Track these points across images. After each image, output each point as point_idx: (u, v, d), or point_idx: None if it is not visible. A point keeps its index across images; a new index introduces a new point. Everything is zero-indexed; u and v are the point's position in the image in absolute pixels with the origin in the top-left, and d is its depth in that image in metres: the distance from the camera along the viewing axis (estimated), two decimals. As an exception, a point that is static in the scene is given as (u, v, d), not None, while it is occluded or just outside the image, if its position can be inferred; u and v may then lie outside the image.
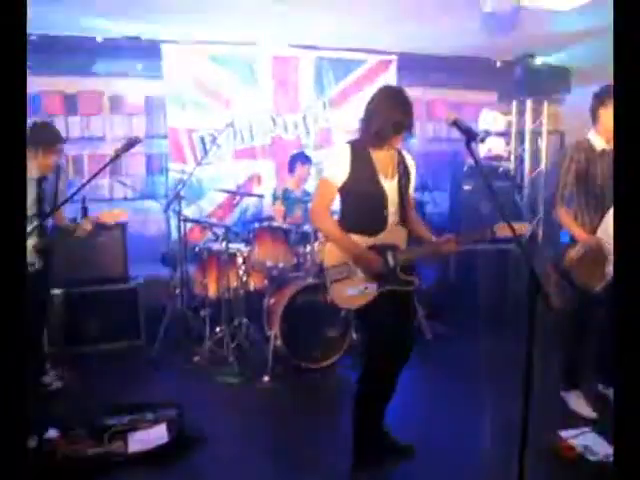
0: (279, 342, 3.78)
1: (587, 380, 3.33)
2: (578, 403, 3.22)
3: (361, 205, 2.51)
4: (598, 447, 2.72)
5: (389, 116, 2.39)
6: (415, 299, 4.45)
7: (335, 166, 2.51)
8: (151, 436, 2.84)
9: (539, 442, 2.65)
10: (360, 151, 2.49)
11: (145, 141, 4.82)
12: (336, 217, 2.61)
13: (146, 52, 4.86)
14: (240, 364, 3.84)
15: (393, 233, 2.55)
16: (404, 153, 2.65)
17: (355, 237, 2.49)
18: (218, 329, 4.09)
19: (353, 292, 2.49)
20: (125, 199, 5.03)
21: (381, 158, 2.52)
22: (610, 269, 3.03)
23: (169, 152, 5.02)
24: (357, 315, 2.60)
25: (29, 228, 3.01)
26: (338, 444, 2.75)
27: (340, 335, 3.86)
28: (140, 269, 4.57)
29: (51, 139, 3.25)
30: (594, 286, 3.05)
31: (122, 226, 4.34)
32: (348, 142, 2.54)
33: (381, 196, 2.50)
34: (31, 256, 3.19)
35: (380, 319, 2.49)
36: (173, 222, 4.77)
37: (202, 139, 5.05)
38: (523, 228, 2.57)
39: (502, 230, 2.44)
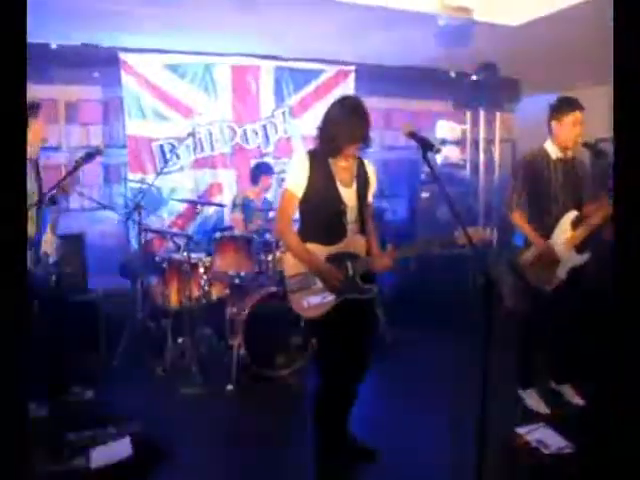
0: (242, 351, 3.78)
1: (541, 378, 3.47)
2: (533, 400, 3.35)
3: (320, 214, 2.52)
4: (551, 441, 2.85)
5: (346, 126, 2.41)
6: (377, 307, 4.58)
7: (295, 176, 2.52)
8: (115, 450, 2.80)
9: (497, 438, 2.75)
10: (319, 160, 2.51)
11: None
12: (297, 226, 2.62)
13: (103, 60, 4.81)
14: (203, 374, 3.82)
15: (352, 242, 2.55)
16: (365, 161, 2.68)
17: (315, 246, 2.50)
18: (180, 340, 4.06)
19: (312, 302, 2.49)
20: (83, 210, 4.95)
21: (340, 167, 2.53)
22: (561, 272, 3.19)
23: (128, 162, 4.96)
24: (316, 324, 2.57)
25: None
26: (304, 451, 2.78)
27: (303, 342, 3.88)
28: (99, 281, 4.50)
29: None
30: (546, 287, 3.20)
31: (80, 237, 4.27)
32: (307, 151, 2.57)
33: (340, 205, 2.51)
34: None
35: (338, 328, 2.50)
36: (133, 233, 4.72)
37: (162, 148, 5.02)
38: (484, 233, 2.61)
39: (461, 237, 2.45)
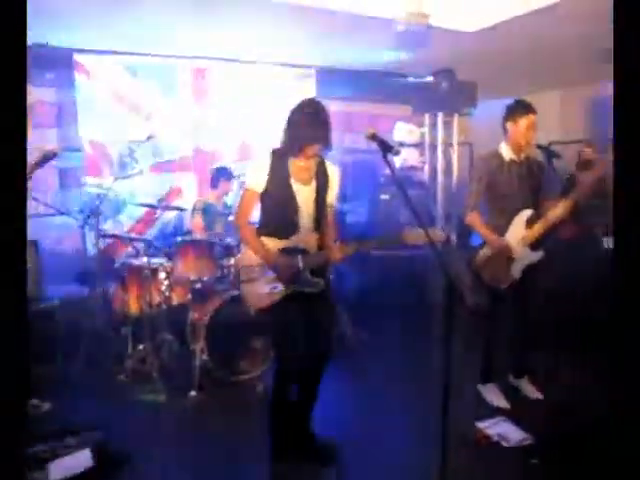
0: (205, 356, 3.74)
1: (500, 373, 3.56)
2: (493, 395, 3.44)
3: (275, 209, 2.66)
4: (511, 434, 2.94)
5: (305, 127, 2.53)
6: (339, 306, 4.62)
7: (255, 173, 2.66)
8: (75, 461, 2.72)
9: (458, 433, 2.82)
10: (279, 159, 2.64)
11: (57, 154, 4.63)
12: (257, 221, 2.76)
13: (56, 61, 4.68)
14: (165, 381, 3.75)
15: (305, 238, 2.69)
16: (327, 163, 2.78)
17: (270, 240, 2.65)
18: (141, 346, 3.98)
19: (262, 292, 2.64)
20: (37, 215, 4.80)
21: (298, 166, 2.65)
22: (516, 270, 3.29)
23: (84, 165, 4.85)
24: (265, 315, 2.71)
25: None
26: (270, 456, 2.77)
27: (266, 346, 3.87)
28: (55, 289, 4.37)
29: None
30: (501, 284, 3.29)
31: (34, 244, 4.14)
32: (271, 150, 2.67)
33: (292, 201, 2.64)
34: None
35: (285, 319, 2.65)
36: (90, 238, 4.61)
37: (119, 152, 4.93)
38: (442, 236, 2.65)
39: (410, 236, 2.61)
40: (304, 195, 2.66)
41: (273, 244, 2.65)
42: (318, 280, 2.70)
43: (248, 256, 2.69)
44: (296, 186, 2.64)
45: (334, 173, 2.79)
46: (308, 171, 2.68)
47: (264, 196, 2.65)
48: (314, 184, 2.69)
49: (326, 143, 2.59)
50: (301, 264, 2.64)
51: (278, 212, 2.67)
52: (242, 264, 2.70)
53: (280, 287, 2.64)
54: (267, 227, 2.69)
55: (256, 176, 2.64)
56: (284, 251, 2.65)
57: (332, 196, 2.80)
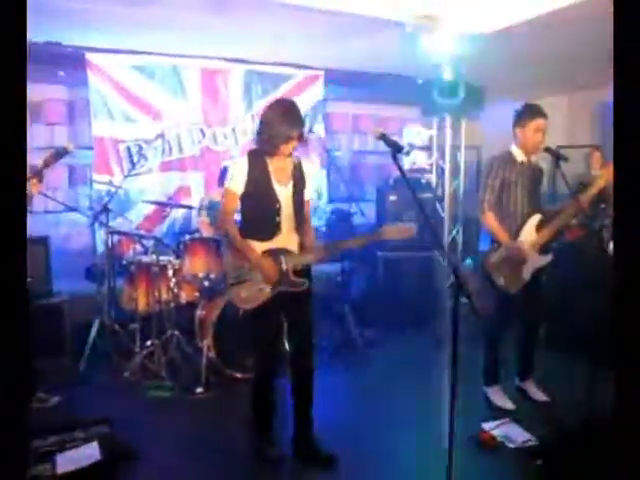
0: (212, 353, 3.77)
1: (506, 375, 3.57)
2: (498, 397, 3.44)
3: (257, 211, 2.70)
4: (516, 435, 2.95)
5: (279, 127, 2.57)
6: (345, 307, 4.65)
7: (235, 175, 2.67)
8: (82, 455, 2.76)
9: (465, 434, 2.83)
10: (257, 160, 2.68)
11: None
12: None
13: (69, 59, 4.72)
14: (172, 377, 3.79)
15: (287, 238, 2.74)
16: (302, 161, 2.84)
17: (252, 242, 2.69)
18: (149, 343, 4.01)
19: (249, 294, 2.70)
20: (46, 212, 4.84)
21: (276, 166, 2.69)
22: (527, 273, 3.30)
23: (94, 163, 4.89)
24: (252, 315, 2.76)
25: None
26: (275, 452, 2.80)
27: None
28: (64, 284, 4.40)
29: None
30: (512, 288, 3.30)
31: (44, 240, 4.18)
32: (248, 152, 2.74)
33: (275, 202, 2.67)
34: None
35: (272, 318, 2.74)
36: (99, 235, 4.65)
37: (129, 150, 4.96)
38: (411, 230, 2.73)
39: (387, 233, 2.70)
40: (284, 195, 2.70)
41: (256, 247, 2.69)
42: (302, 280, 2.74)
43: (233, 258, 2.74)
44: (277, 187, 2.68)
45: (309, 171, 2.86)
46: (286, 171, 2.73)
47: (244, 197, 2.68)
48: (291, 184, 2.73)
49: (301, 139, 2.65)
50: (285, 265, 2.68)
51: (260, 213, 2.70)
52: (227, 266, 2.77)
53: (266, 289, 2.68)
54: (249, 229, 2.72)
55: (236, 177, 2.66)
56: (268, 252, 2.69)
57: (308, 193, 2.84)
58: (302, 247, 2.80)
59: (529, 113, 3.27)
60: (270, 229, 2.70)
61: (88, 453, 2.77)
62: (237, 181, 2.66)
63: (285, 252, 2.71)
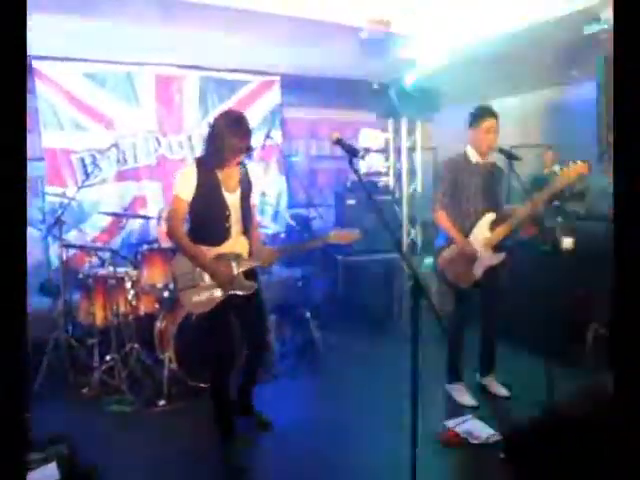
0: (173, 365, 3.71)
1: (467, 373, 3.63)
2: (461, 394, 3.50)
3: (206, 218, 2.78)
4: (479, 431, 3.00)
5: (228, 139, 2.63)
6: (306, 311, 4.66)
7: (184, 183, 2.73)
8: (41, 476, 2.66)
9: (428, 432, 2.86)
10: (205, 169, 2.73)
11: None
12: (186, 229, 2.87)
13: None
14: (133, 391, 3.70)
15: (236, 243, 2.85)
16: (248, 168, 2.94)
17: (203, 247, 2.76)
18: (108, 357, 3.91)
19: (201, 298, 2.79)
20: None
21: (225, 174, 2.78)
22: (478, 270, 3.37)
23: (46, 175, 4.75)
24: (205, 318, 2.87)
25: None
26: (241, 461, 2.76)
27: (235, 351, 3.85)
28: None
29: None
30: (463, 284, 3.38)
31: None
32: (195, 160, 2.81)
33: (224, 209, 2.77)
34: None
35: (225, 320, 2.86)
36: (53, 249, 4.51)
37: (82, 160, 4.85)
38: (356, 235, 2.97)
39: (333, 237, 2.92)
40: (232, 202, 2.80)
41: (207, 252, 2.77)
42: (252, 283, 2.88)
43: (182, 263, 2.78)
44: (226, 194, 2.78)
45: (255, 177, 2.98)
46: (234, 179, 2.83)
47: (193, 205, 2.73)
48: (239, 190, 2.84)
49: (250, 152, 2.77)
50: (235, 269, 2.80)
51: (210, 220, 2.78)
52: (177, 272, 2.80)
53: (218, 292, 2.79)
54: (198, 235, 2.78)
55: (185, 186, 2.72)
56: (219, 257, 2.78)
57: (255, 198, 3.02)
58: (251, 251, 2.91)
59: (480, 114, 3.37)
60: (220, 234, 2.79)
61: (46, 474, 2.68)
62: (186, 189, 2.71)
63: (235, 256, 2.82)
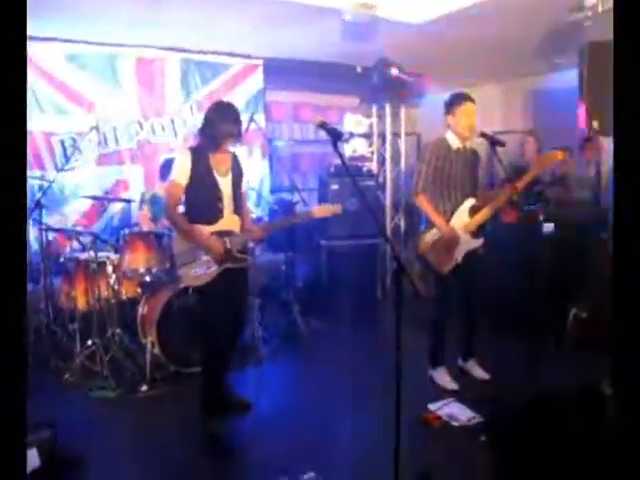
0: (156, 349, 3.69)
1: (449, 357, 3.67)
2: (442, 378, 3.55)
3: (201, 199, 3.05)
4: (461, 414, 3.05)
5: (220, 127, 2.97)
6: (290, 296, 4.68)
7: (180, 169, 3.01)
8: (21, 461, 2.64)
9: (411, 415, 2.90)
10: (199, 155, 3.03)
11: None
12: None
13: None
14: (116, 376, 3.68)
15: (229, 221, 3.10)
16: (237, 156, 3.23)
17: (199, 226, 3.01)
18: (90, 342, 3.88)
19: (198, 272, 3.02)
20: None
21: (217, 160, 3.07)
22: (458, 254, 3.40)
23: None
24: (202, 291, 3.10)
25: None
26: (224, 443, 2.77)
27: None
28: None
29: None
30: (443, 268, 3.40)
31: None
32: (189, 148, 3.08)
33: (217, 192, 3.05)
34: None
35: (220, 292, 3.04)
36: (33, 233, 4.45)
37: (62, 143, 4.76)
38: (338, 208, 3.27)
39: (318, 212, 3.23)
40: (224, 185, 3.07)
41: (202, 230, 3.01)
42: (245, 256, 3.17)
43: (180, 242, 3.06)
44: (218, 178, 3.05)
45: (244, 162, 3.30)
46: (225, 164, 3.11)
47: (189, 188, 3.01)
48: (230, 175, 3.11)
49: (239, 138, 3.09)
50: (229, 244, 3.04)
51: (205, 201, 3.04)
52: (176, 251, 3.08)
53: (213, 266, 3.03)
54: (194, 215, 3.04)
55: (180, 171, 2.99)
56: (215, 234, 3.02)
57: (245, 183, 3.31)
58: (242, 228, 3.17)
59: (456, 99, 3.40)
60: (214, 214, 3.05)
61: (28, 461, 2.66)
62: (182, 174, 2.99)
63: (228, 233, 3.07)
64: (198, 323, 3.31)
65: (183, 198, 3.06)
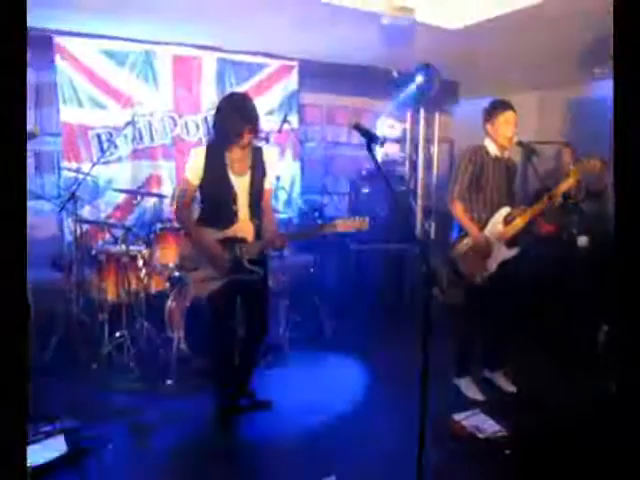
0: (182, 344, 3.73)
1: (475, 367, 3.62)
2: (468, 388, 3.49)
3: (214, 200, 2.82)
4: (486, 426, 2.99)
5: (233, 120, 2.68)
6: (318, 299, 4.65)
7: (192, 166, 2.79)
8: (48, 448, 2.70)
9: (435, 425, 2.85)
10: (214, 152, 2.78)
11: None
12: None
13: (35, 42, 4.54)
14: (141, 369, 3.73)
15: (243, 227, 2.83)
16: (263, 150, 2.92)
17: (210, 230, 2.79)
18: (118, 334, 3.94)
19: (203, 280, 2.82)
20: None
21: (234, 157, 2.79)
22: (492, 264, 3.34)
23: (62, 150, 4.76)
24: (208, 300, 2.90)
25: None
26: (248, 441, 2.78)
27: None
28: (30, 273, 4.26)
29: None
30: (476, 277, 3.34)
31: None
32: (207, 144, 2.88)
33: (230, 192, 2.78)
34: None
35: (226, 304, 2.88)
36: (67, 224, 4.53)
37: (99, 137, 4.85)
38: (364, 223, 2.83)
39: (341, 226, 2.79)
40: (240, 185, 2.80)
41: (213, 234, 2.79)
42: (257, 269, 2.85)
43: (186, 245, 2.90)
44: (233, 177, 2.78)
45: (271, 159, 2.94)
46: (244, 162, 2.82)
47: (202, 188, 2.80)
48: (249, 174, 2.83)
49: (256, 131, 2.76)
50: (239, 254, 2.78)
51: (217, 203, 2.81)
52: (182, 253, 2.94)
53: (217, 277, 2.80)
54: (207, 218, 2.83)
55: (193, 168, 2.78)
56: (224, 241, 2.78)
57: (269, 181, 2.94)
58: (258, 236, 2.88)
59: (497, 107, 3.32)
60: (227, 218, 2.80)
61: (54, 446, 2.71)
62: (194, 172, 2.77)
63: (240, 241, 2.81)
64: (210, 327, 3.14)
65: (199, 198, 2.88)
